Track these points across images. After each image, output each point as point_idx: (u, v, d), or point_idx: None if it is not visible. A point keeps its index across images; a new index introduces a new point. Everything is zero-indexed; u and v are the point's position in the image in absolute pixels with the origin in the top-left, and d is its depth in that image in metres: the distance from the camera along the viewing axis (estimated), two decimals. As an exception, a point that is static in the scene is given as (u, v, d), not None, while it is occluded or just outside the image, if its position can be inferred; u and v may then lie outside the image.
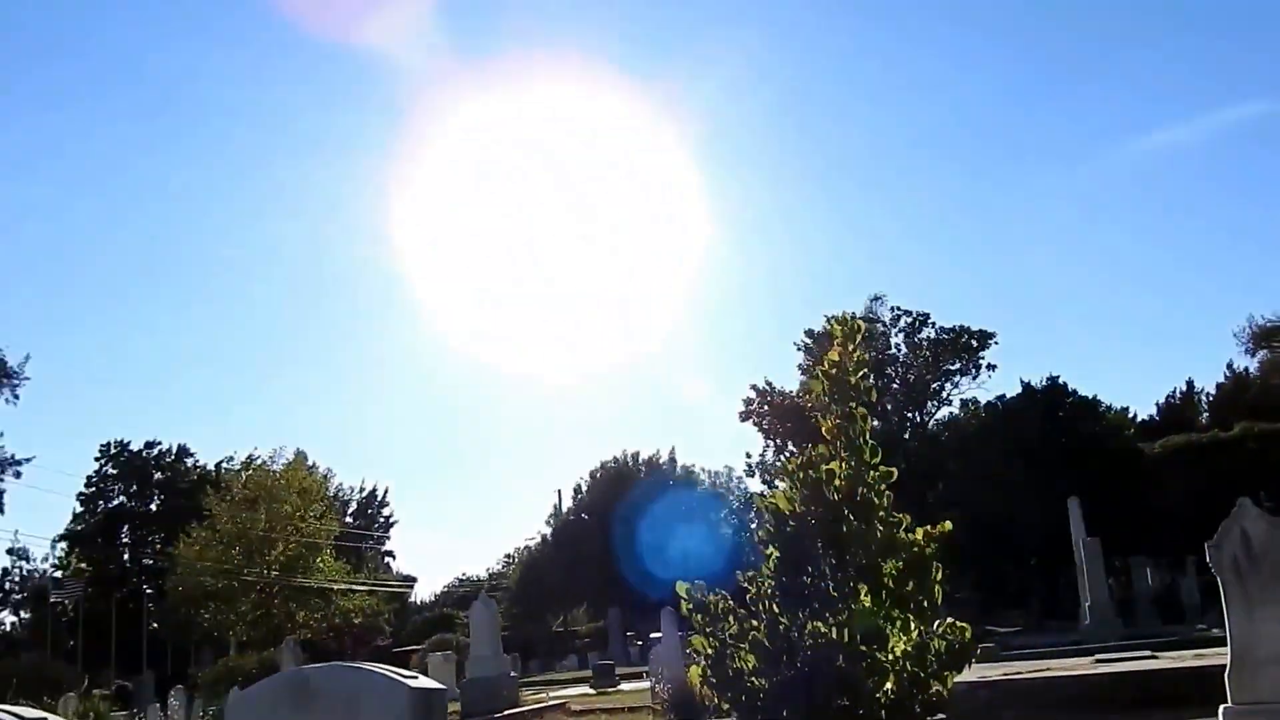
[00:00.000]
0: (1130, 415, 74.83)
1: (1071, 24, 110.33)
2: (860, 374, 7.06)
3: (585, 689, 34.96)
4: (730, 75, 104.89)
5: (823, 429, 7.08)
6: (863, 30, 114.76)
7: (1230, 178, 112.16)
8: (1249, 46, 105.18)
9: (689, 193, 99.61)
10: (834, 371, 7.07)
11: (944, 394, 68.95)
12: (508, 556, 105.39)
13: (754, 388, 66.59)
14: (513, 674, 30.51)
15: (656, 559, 65.32)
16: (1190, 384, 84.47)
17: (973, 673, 9.71)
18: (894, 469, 6.95)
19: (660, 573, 59.65)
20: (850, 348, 7.09)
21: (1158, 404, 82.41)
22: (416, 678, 7.79)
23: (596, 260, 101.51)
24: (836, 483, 6.82)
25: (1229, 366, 79.11)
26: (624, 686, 33.98)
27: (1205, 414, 79.86)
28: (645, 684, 27.63)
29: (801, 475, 6.87)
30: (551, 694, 31.82)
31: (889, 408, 66.03)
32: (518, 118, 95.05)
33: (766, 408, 65.73)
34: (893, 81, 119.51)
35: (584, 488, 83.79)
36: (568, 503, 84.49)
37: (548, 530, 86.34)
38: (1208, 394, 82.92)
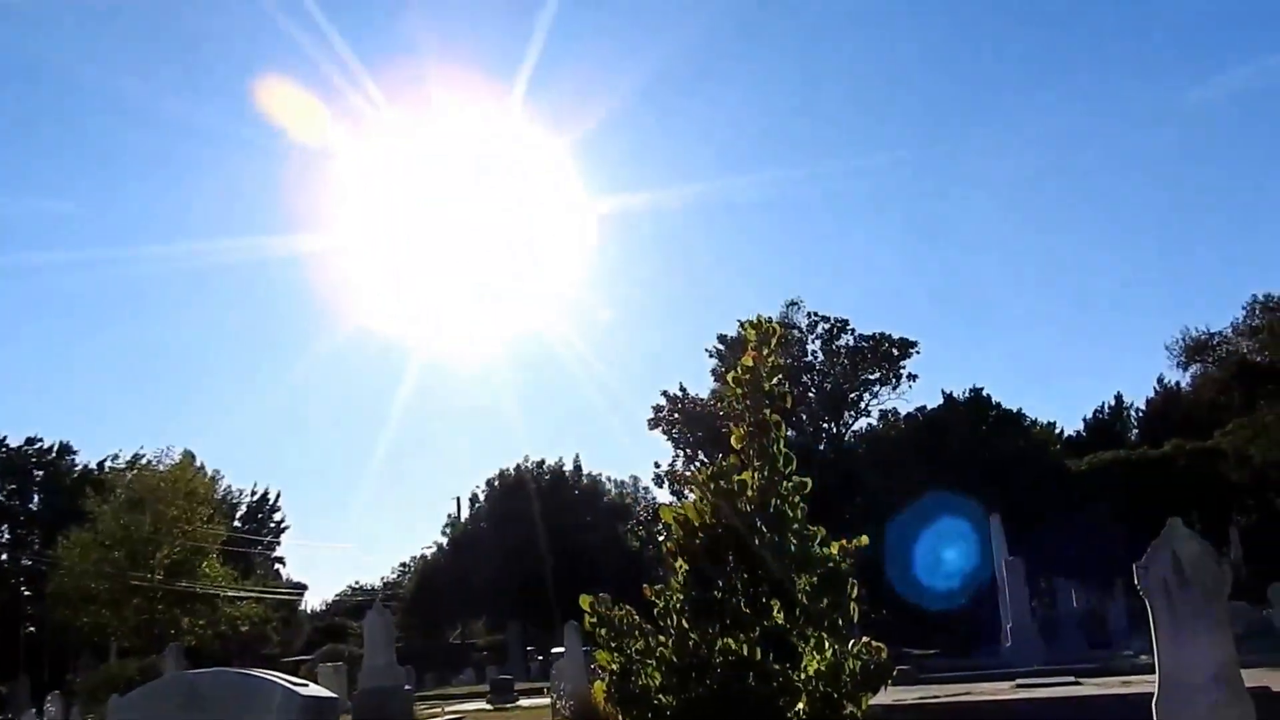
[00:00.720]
0: (1057, 430, 75.98)
1: (984, 31, 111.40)
2: (775, 380, 7.13)
3: (483, 704, 35.06)
4: (636, 71, 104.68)
5: (734, 437, 7.14)
6: (775, 19, 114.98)
7: (1163, 187, 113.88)
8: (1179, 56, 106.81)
9: (592, 192, 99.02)
10: (748, 377, 7.13)
11: (862, 404, 69.26)
12: (404, 565, 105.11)
13: (665, 394, 66.45)
14: (407, 687, 30.45)
15: (559, 571, 65.39)
16: (1119, 398, 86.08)
17: (888, 695, 9.81)
18: (808, 480, 7.02)
19: (563, 585, 59.70)
20: (765, 352, 7.16)
21: (1085, 419, 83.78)
22: (308, 685, 7.80)
23: (498, 264, 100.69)
24: (749, 493, 6.89)
25: (1160, 381, 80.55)
26: (523, 703, 34.15)
27: (1135, 430, 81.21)
28: (545, 700, 27.78)
29: (713, 485, 6.94)
30: (448, 709, 31.84)
31: (804, 417, 66.21)
32: (417, 120, 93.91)
33: (677, 415, 65.72)
34: (807, 80, 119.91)
35: (481, 496, 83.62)
36: (466, 511, 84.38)
37: (445, 540, 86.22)
38: (1137, 409, 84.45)
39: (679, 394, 66.33)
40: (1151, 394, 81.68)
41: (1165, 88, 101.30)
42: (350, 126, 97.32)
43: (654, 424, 66.77)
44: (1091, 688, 18.47)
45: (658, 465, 69.10)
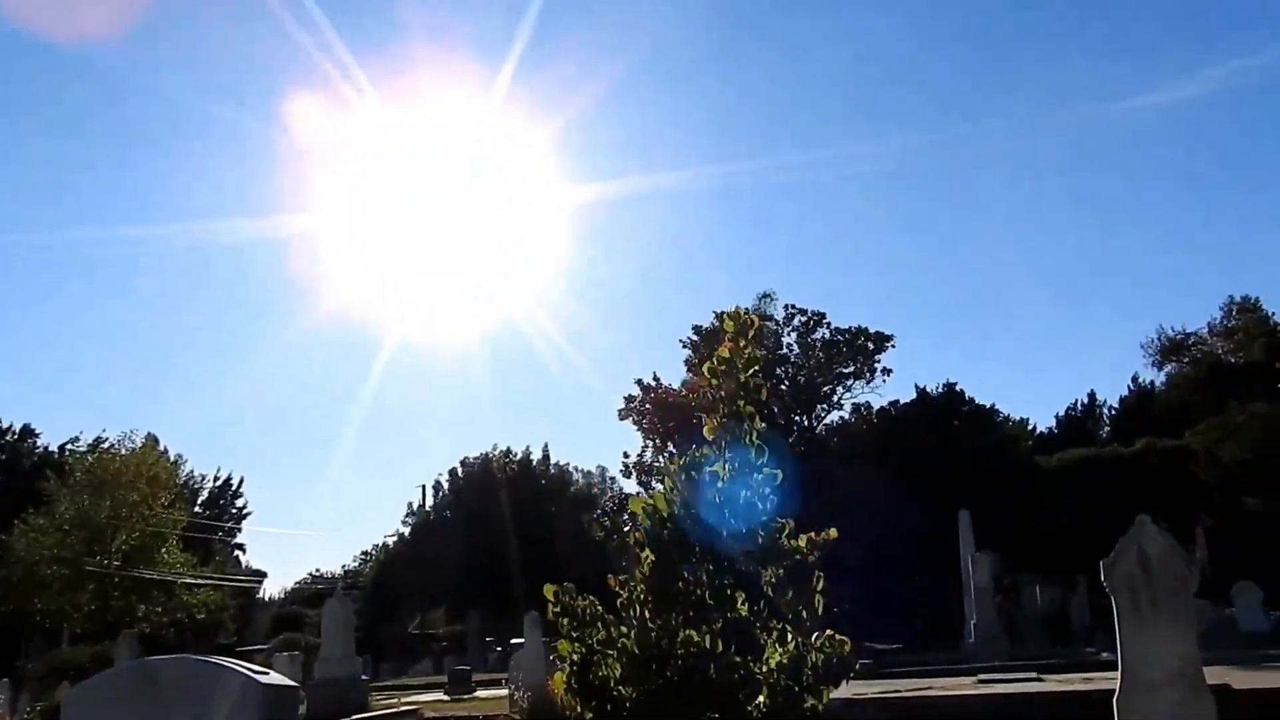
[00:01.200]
0: (1029, 427, 76.18)
1: (981, 25, 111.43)
2: (751, 371, 7.15)
3: (440, 695, 34.94)
4: (614, 57, 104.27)
5: (707, 428, 7.15)
6: (759, 9, 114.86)
7: (1139, 186, 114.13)
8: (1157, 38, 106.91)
9: (569, 181, 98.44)
10: (724, 368, 7.14)
11: (835, 397, 69.21)
12: (365, 554, 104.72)
13: (639, 383, 66.21)
14: (364, 677, 30.35)
15: (523, 560, 65.32)
16: (1092, 396, 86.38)
17: (848, 689, 9.83)
18: (779, 472, 7.03)
19: (527, 575, 59.69)
20: (742, 343, 7.17)
21: (1057, 416, 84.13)
22: (269, 674, 7.76)
23: (472, 251, 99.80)
24: (720, 485, 6.90)
25: (1134, 379, 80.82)
26: (480, 693, 34.04)
27: (1106, 428, 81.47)
28: (503, 691, 27.68)
29: (684, 476, 6.95)
30: (404, 699, 31.67)
31: (776, 410, 66.08)
32: (399, 105, 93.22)
33: (648, 405, 65.49)
34: (788, 73, 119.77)
35: (445, 485, 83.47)
36: (430, 499, 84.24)
37: (406, 529, 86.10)
38: (1110, 407, 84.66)
39: (652, 383, 66.12)
40: (1125, 392, 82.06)
41: (1149, 85, 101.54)
42: (327, 108, 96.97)
43: (625, 414, 66.54)
44: (1054, 684, 18.55)
45: (626, 455, 68.85)
